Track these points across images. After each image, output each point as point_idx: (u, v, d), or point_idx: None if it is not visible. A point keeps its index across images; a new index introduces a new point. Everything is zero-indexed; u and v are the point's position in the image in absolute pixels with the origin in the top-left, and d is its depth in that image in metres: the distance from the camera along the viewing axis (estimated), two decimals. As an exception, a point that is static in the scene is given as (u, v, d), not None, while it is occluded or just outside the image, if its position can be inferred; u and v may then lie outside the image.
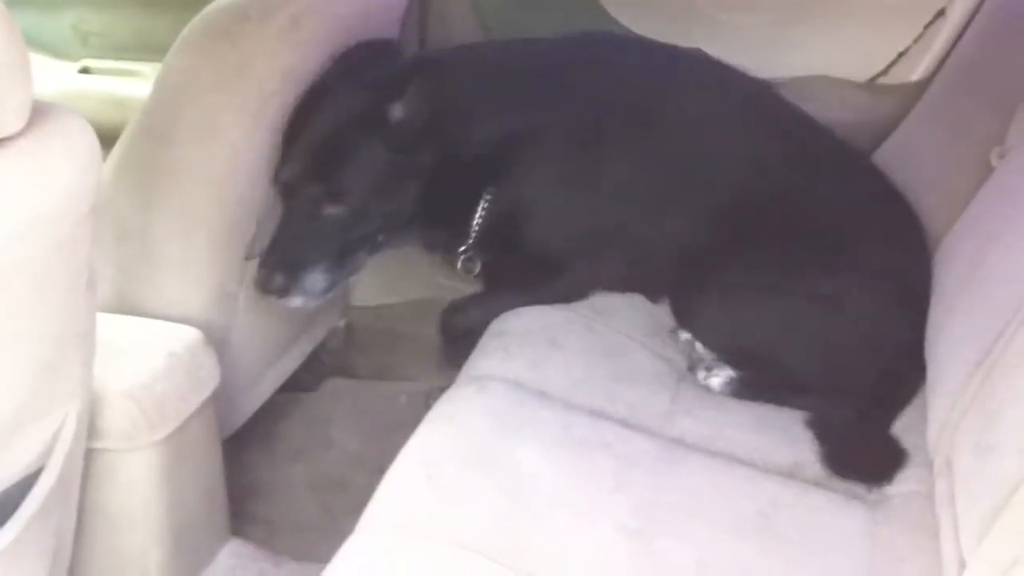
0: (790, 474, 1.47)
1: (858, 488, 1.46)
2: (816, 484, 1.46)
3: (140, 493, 1.51)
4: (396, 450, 1.44)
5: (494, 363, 1.65)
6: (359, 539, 1.31)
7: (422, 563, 1.25)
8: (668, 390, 1.64)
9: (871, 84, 1.96)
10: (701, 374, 1.68)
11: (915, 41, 1.93)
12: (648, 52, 1.94)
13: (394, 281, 2.17)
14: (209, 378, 1.59)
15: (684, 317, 1.77)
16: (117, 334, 1.50)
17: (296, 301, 1.65)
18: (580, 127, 1.78)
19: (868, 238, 1.70)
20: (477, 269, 1.85)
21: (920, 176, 1.83)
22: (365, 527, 1.33)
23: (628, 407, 1.57)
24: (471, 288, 1.90)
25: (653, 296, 1.86)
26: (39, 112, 0.99)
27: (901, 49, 1.93)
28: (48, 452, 1.19)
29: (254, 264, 1.69)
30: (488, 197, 1.79)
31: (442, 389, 1.63)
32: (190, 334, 1.57)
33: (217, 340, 1.63)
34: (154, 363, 1.49)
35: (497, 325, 1.76)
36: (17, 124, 0.95)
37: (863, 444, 1.55)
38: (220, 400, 1.67)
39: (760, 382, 1.68)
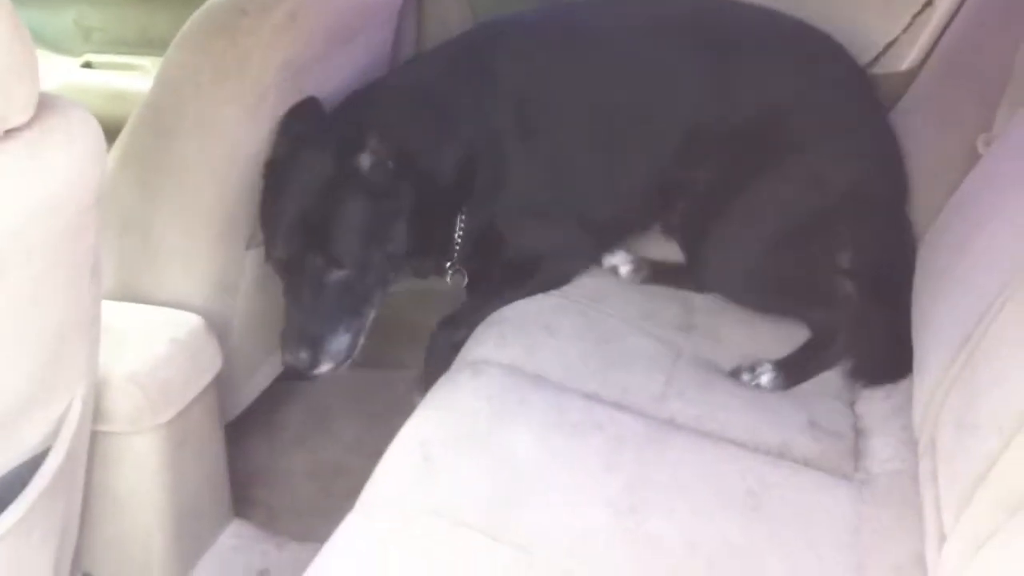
0: (779, 454, 1.50)
1: (846, 467, 1.49)
2: (805, 464, 1.48)
3: (145, 474, 1.55)
4: (394, 436, 1.48)
5: (489, 349, 1.68)
6: (356, 518, 1.34)
7: (418, 539, 1.29)
8: (663, 372, 1.66)
9: (861, 73, 1.97)
10: (746, 376, 1.71)
11: (904, 31, 1.94)
12: (562, 16, 1.97)
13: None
14: (211, 364, 1.63)
15: (701, 276, 1.86)
16: (121, 321, 1.53)
17: (327, 368, 1.63)
18: (522, 116, 1.80)
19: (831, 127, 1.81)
20: (466, 280, 1.86)
21: (908, 164, 1.85)
22: (362, 507, 1.37)
23: (621, 390, 1.60)
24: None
25: (644, 228, 1.96)
26: (45, 105, 1.01)
27: (890, 39, 1.94)
28: (55, 434, 1.23)
29: (255, 253, 1.72)
30: (463, 211, 1.79)
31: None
32: (192, 321, 1.60)
33: (219, 327, 1.66)
34: (157, 349, 1.53)
35: (493, 314, 1.79)
36: (24, 117, 0.98)
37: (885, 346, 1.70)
38: (222, 386, 1.70)
39: (795, 359, 1.74)
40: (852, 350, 1.73)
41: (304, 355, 1.60)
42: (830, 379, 1.73)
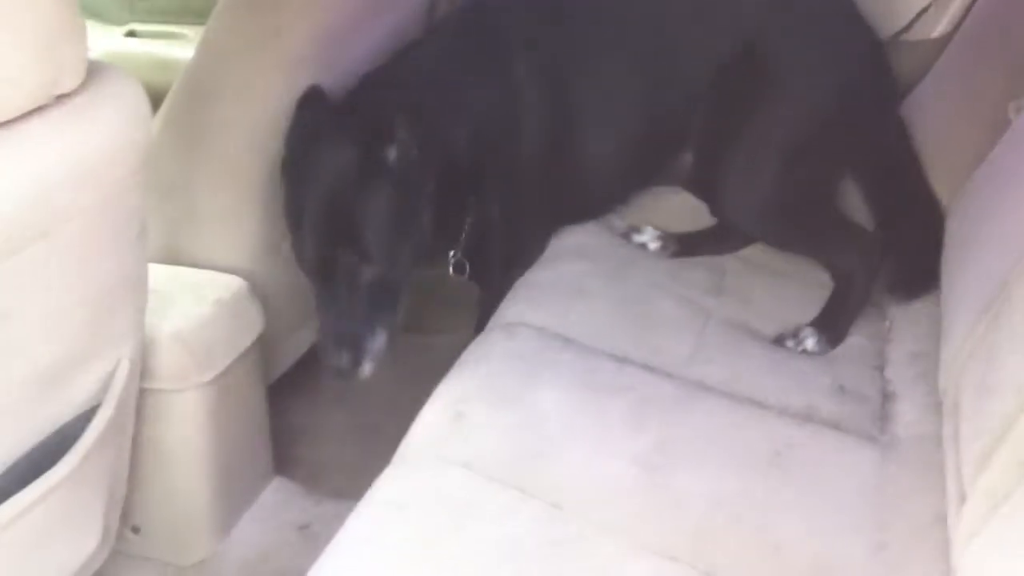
0: (806, 416, 1.51)
1: (872, 430, 1.50)
2: (830, 426, 1.50)
3: (189, 431, 1.60)
4: (429, 397, 1.52)
5: (523, 310, 1.71)
6: (392, 472, 1.39)
7: (448, 491, 1.33)
8: (692, 336, 1.68)
9: (893, 40, 1.96)
10: (790, 343, 1.72)
11: (935, -1, 1.95)
12: None
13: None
14: (254, 325, 1.68)
15: (722, 212, 1.90)
16: (167, 283, 1.58)
17: (368, 369, 1.60)
18: (534, 76, 1.79)
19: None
20: (467, 271, 1.83)
21: (939, 130, 1.86)
22: (398, 461, 1.41)
23: (651, 352, 1.62)
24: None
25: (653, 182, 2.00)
26: (94, 72, 1.06)
27: (922, 6, 1.94)
28: (104, 390, 1.29)
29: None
30: (473, 199, 1.78)
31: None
32: (235, 283, 1.65)
33: (261, 290, 1.70)
34: (202, 310, 1.58)
35: (526, 276, 1.82)
36: (74, 82, 1.02)
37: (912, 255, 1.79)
38: (264, 347, 1.75)
39: (829, 316, 1.77)
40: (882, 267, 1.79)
41: (346, 358, 1.57)
42: (860, 344, 1.74)
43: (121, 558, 1.66)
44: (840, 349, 1.73)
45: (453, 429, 1.43)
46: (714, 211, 1.91)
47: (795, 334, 1.73)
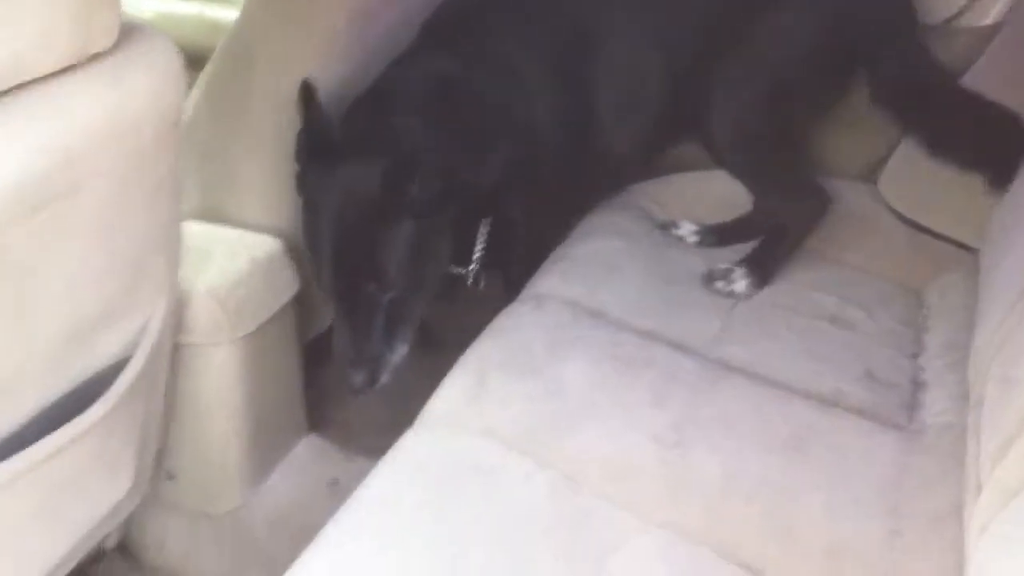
0: (832, 402, 1.50)
1: (899, 418, 1.49)
2: (856, 413, 1.49)
3: (223, 385, 1.64)
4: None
5: (553, 283, 1.73)
6: (414, 433, 1.42)
7: (466, 457, 1.35)
8: (720, 318, 1.69)
9: (945, 26, 1.92)
10: (720, 283, 1.76)
11: (989, -15, 1.91)
12: None
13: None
14: (288, 286, 1.71)
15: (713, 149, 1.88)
16: (204, 241, 1.62)
17: (386, 379, 1.63)
18: (541, 66, 1.78)
19: None
20: (483, 283, 1.82)
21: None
22: (421, 422, 1.44)
23: (678, 330, 1.62)
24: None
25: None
26: (127, 32, 1.08)
27: (975, -6, 1.91)
28: (135, 344, 1.32)
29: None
30: (488, 219, 1.77)
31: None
32: (271, 243, 1.68)
33: (297, 253, 1.72)
34: (237, 267, 1.61)
35: (559, 251, 1.84)
36: (107, 42, 1.04)
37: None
38: (301, 308, 1.78)
39: (760, 255, 1.81)
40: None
41: (365, 376, 1.59)
42: (895, 330, 1.72)
43: (155, 506, 1.72)
44: (875, 335, 1.70)
45: (475, 396, 1.45)
46: (698, 134, 1.88)
47: (726, 275, 1.76)
